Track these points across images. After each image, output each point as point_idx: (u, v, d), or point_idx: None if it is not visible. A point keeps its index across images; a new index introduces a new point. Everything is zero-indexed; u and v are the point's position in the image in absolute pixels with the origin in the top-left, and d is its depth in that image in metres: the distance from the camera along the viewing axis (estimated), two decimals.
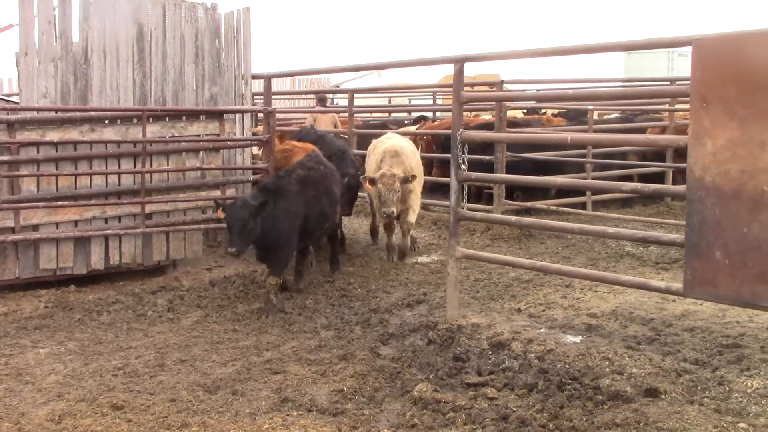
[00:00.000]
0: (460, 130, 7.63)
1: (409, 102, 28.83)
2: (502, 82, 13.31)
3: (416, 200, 11.27)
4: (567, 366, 6.51)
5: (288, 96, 28.99)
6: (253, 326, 8.33)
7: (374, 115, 25.32)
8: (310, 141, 11.54)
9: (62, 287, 9.60)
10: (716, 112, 5.33)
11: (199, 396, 6.26)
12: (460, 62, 7.62)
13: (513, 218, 8.01)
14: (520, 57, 7.46)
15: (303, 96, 28.20)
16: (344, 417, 5.84)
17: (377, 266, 10.83)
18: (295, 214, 9.03)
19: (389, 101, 29.57)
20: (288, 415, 5.85)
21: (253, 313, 8.76)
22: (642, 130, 14.68)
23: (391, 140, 11.58)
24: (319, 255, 11.04)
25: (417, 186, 11.24)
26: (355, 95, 17.36)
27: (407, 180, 10.52)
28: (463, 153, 7.65)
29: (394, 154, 10.99)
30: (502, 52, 7.70)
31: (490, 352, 7.05)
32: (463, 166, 7.66)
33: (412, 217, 11.28)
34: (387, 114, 25.27)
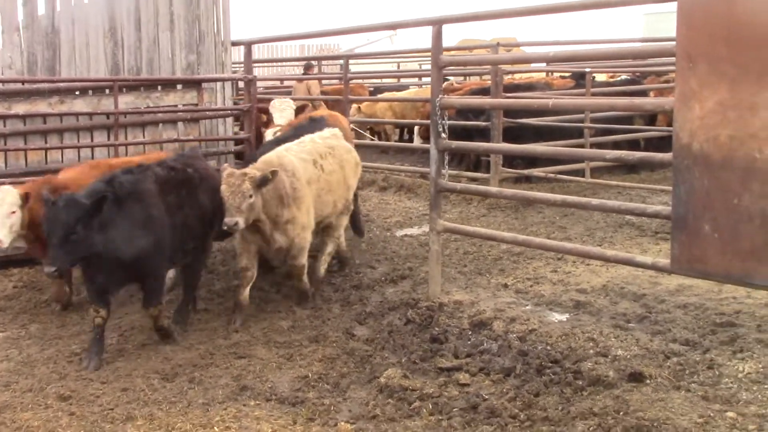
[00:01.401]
0: (439, 96, 7.16)
1: (420, 67, 28.22)
2: (498, 45, 12.79)
3: (303, 232, 7.50)
4: (548, 348, 6.11)
5: (270, 63, 28.29)
6: (227, 305, 7.90)
7: (384, 81, 24.82)
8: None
9: (37, 266, 9.23)
10: (704, 73, 4.82)
11: (153, 384, 5.88)
12: (437, 24, 7.14)
13: (494, 189, 7.57)
14: (503, 17, 6.97)
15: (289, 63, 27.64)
16: (303, 407, 5.45)
17: (365, 238, 10.41)
18: (159, 222, 6.60)
19: (398, 66, 29.05)
20: (244, 405, 5.47)
21: (228, 291, 8.36)
22: (646, 93, 14.12)
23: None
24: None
25: (305, 211, 7.51)
26: (356, 61, 16.87)
27: (265, 182, 6.89)
28: (443, 119, 7.19)
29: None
30: (483, 12, 7.19)
31: (469, 332, 6.66)
32: (444, 134, 7.20)
33: (302, 258, 7.67)
34: (396, 80, 24.66)
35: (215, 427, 5.10)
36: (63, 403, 5.55)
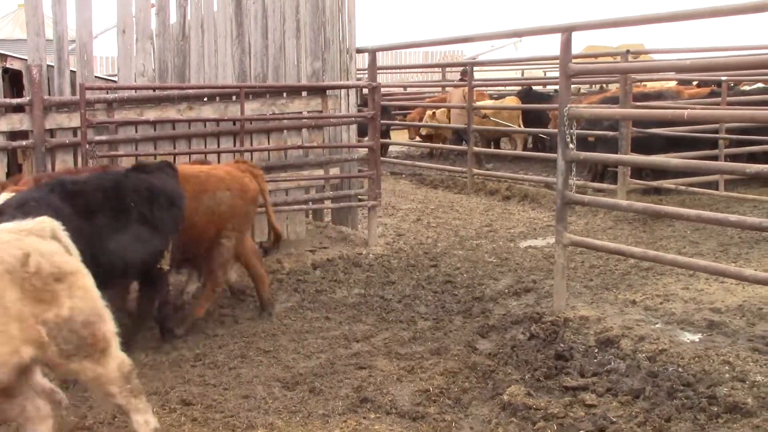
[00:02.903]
0: (568, 105, 6.96)
1: (545, 74, 27.80)
2: (627, 52, 12.42)
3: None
4: (680, 369, 5.81)
5: (394, 70, 28.22)
6: (348, 314, 7.89)
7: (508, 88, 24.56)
8: None
9: None
10: None
11: (274, 393, 5.88)
12: (567, 31, 6.93)
13: (624, 202, 7.31)
14: (632, 24, 6.71)
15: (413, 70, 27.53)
16: (423, 422, 5.33)
17: (488, 249, 10.24)
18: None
19: (522, 74, 28.71)
20: (364, 418, 5.40)
21: (349, 299, 8.34)
22: None
23: None
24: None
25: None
26: (482, 68, 16.68)
27: None
28: (571, 130, 6.98)
29: None
30: (617, 18, 6.95)
31: (596, 350, 6.42)
32: (571, 145, 6.99)
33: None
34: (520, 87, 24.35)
35: None
36: (186, 407, 5.59)
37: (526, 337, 6.87)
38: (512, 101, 18.00)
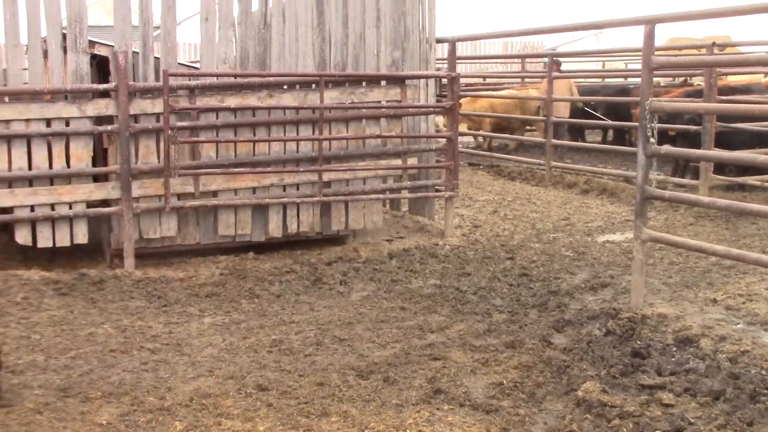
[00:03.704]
0: (649, 99, 6.83)
1: (626, 66, 27.36)
2: (713, 44, 12.13)
3: None
4: (764, 372, 5.67)
5: (473, 61, 27.96)
6: (424, 304, 7.89)
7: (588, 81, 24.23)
8: None
9: (242, 254, 9.55)
10: None
11: (348, 381, 5.90)
12: (650, 23, 6.80)
13: (706, 199, 7.14)
14: (719, 16, 6.55)
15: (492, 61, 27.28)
16: (497, 416, 5.30)
17: (565, 243, 10.14)
18: None
19: (603, 66, 28.32)
20: (437, 409, 5.39)
21: (425, 289, 8.34)
22: None
23: None
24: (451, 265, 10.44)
25: None
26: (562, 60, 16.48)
27: None
28: (652, 124, 6.86)
29: None
30: (698, 11, 6.79)
31: (674, 349, 6.30)
32: (652, 139, 6.87)
33: None
34: (601, 79, 24.00)
35: (408, 430, 5.05)
36: (262, 393, 5.65)
37: (603, 333, 6.77)
38: None
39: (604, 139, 20.72)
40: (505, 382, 5.84)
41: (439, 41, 11.32)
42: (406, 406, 5.45)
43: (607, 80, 23.20)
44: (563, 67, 22.17)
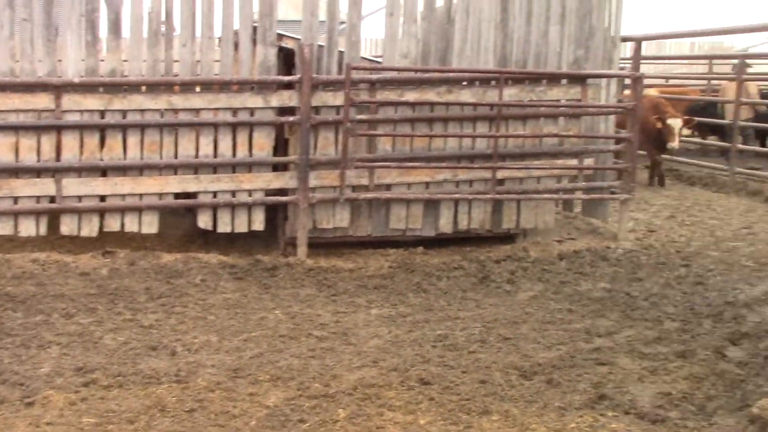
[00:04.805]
0: None
1: None
2: None
3: None
4: None
5: (657, 61, 26.85)
6: (592, 308, 7.74)
7: None
8: None
9: (411, 248, 9.65)
10: None
11: (511, 380, 5.86)
12: None
13: None
14: None
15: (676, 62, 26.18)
16: (663, 426, 5.14)
17: (745, 252, 9.71)
18: None
19: None
20: (601, 415, 5.28)
21: (594, 293, 8.19)
22: None
23: None
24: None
25: None
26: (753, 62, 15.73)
27: None
28: None
29: None
30: None
31: None
32: None
33: None
34: None
35: None
36: (424, 386, 5.69)
37: None
38: None
39: None
40: (673, 393, 5.65)
41: (624, 40, 11.03)
42: (569, 410, 5.37)
43: None
44: (751, 70, 21.22)
